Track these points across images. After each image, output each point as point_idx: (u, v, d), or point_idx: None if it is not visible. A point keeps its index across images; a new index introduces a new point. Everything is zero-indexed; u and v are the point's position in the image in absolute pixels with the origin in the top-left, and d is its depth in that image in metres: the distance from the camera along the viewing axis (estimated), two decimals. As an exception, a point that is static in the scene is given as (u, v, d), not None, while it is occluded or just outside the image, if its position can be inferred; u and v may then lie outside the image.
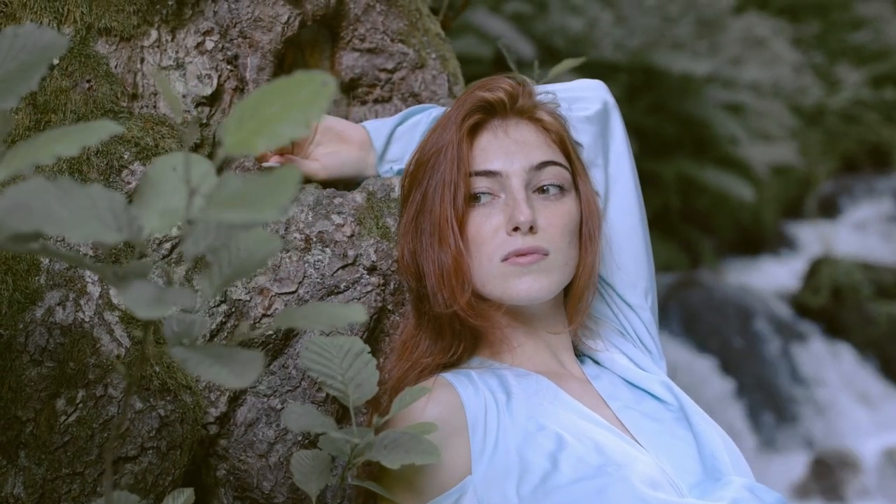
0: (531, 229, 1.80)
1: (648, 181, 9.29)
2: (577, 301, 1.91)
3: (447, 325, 1.87)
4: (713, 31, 10.16)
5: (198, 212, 1.09)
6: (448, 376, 1.84)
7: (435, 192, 1.83)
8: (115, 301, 1.74)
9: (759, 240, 10.87)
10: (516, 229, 1.80)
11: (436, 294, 1.84)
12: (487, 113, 1.89)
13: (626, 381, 1.91)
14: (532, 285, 1.81)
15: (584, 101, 2.02)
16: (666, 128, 9.48)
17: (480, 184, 1.84)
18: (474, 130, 1.88)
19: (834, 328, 8.09)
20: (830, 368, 7.63)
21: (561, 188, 1.87)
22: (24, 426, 1.64)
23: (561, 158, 1.90)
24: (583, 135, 1.99)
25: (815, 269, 8.73)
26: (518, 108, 1.91)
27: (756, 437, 7.05)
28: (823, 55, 12.88)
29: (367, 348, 1.66)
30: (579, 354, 1.99)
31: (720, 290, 8.33)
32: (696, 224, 10.09)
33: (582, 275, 1.90)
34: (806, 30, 12.46)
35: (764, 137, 10.79)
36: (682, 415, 1.83)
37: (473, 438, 1.73)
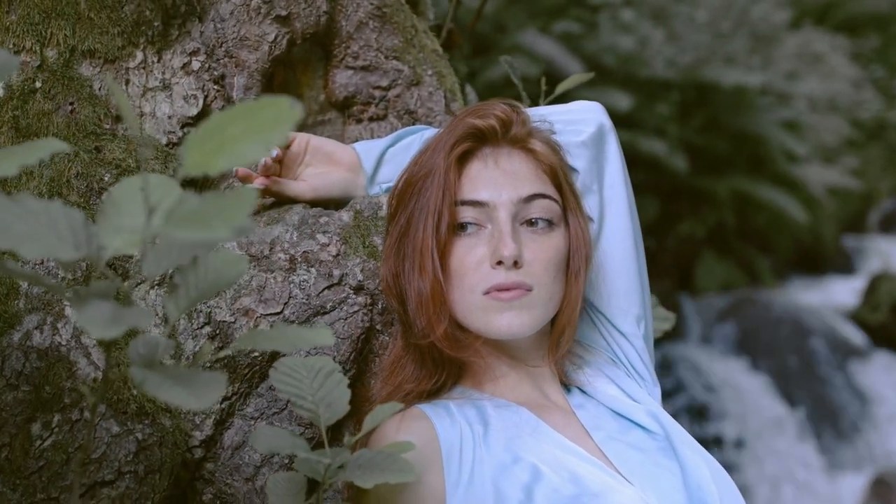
0: (515, 264, 1.76)
1: (702, 199, 9.23)
2: (558, 335, 1.87)
3: (427, 353, 1.84)
4: (767, 46, 10.05)
5: (154, 228, 1.08)
6: (424, 407, 1.81)
7: (419, 218, 1.80)
8: (72, 320, 1.73)
9: (818, 257, 10.73)
10: (500, 263, 1.76)
11: (415, 320, 1.81)
12: (478, 140, 1.84)
13: (612, 410, 1.87)
14: (513, 321, 1.77)
15: (579, 123, 1.97)
16: (719, 144, 9.39)
17: (466, 213, 1.80)
18: (464, 158, 1.83)
19: (893, 344, 7.94)
20: (889, 385, 7.49)
21: (549, 222, 1.83)
22: (-1, 451, 1.63)
23: (551, 191, 1.85)
24: (577, 160, 1.95)
25: (874, 285, 8.59)
26: (511, 137, 1.86)
27: (814, 456, 6.93)
28: (884, 69, 12.70)
29: (338, 368, 1.63)
30: (566, 384, 1.94)
31: (776, 309, 8.22)
32: (754, 242, 9.98)
33: (566, 309, 1.86)
34: (865, 44, 12.28)
35: (822, 153, 10.65)
36: (668, 444, 1.78)
37: (448, 470, 1.70)
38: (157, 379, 1.13)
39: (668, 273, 8.88)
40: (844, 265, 10.75)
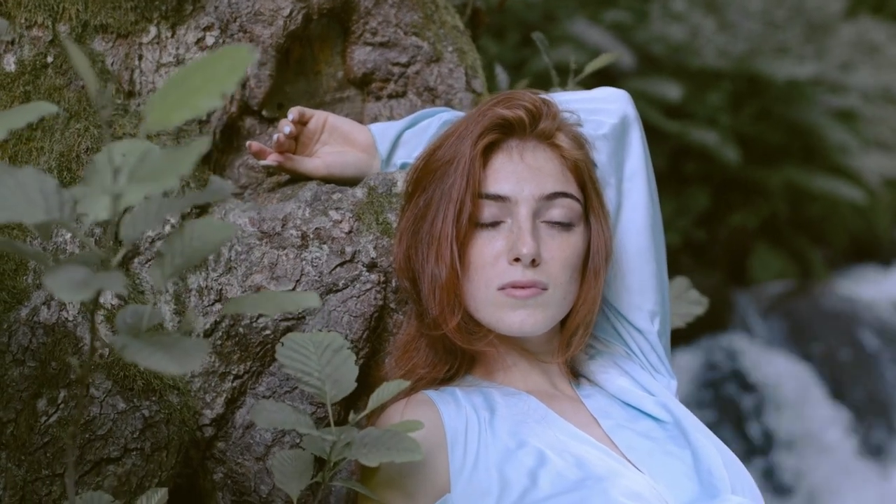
0: (533, 262, 1.74)
1: (754, 190, 9.13)
2: (570, 335, 1.84)
3: (440, 342, 1.82)
4: (822, 36, 9.91)
5: (118, 188, 1.07)
6: (430, 393, 1.80)
7: (440, 205, 1.77)
8: (100, 300, 1.72)
9: (872, 249, 10.57)
10: (517, 260, 1.74)
11: (427, 305, 1.78)
12: (505, 132, 1.81)
13: (620, 401, 1.84)
14: (526, 319, 1.76)
15: (602, 113, 1.93)
16: (772, 135, 9.27)
17: (487, 206, 1.77)
18: (489, 148, 1.80)
19: (947, 337, 7.82)
20: (943, 379, 7.37)
21: (570, 220, 1.80)
22: (4, 427, 1.62)
23: (574, 190, 1.82)
24: (598, 153, 1.91)
25: (929, 278, 8.46)
26: (538, 132, 1.82)
27: (864, 450, 6.83)
28: (943, 59, 12.49)
29: (347, 344, 1.61)
30: (576, 374, 1.92)
31: (829, 301, 8.11)
32: (807, 234, 9.85)
33: (581, 309, 1.83)
34: (924, 33, 12.08)
35: (877, 145, 10.49)
36: (677, 433, 1.76)
37: (452, 456, 1.69)
38: (137, 345, 1.12)
39: (720, 265, 8.78)
40: (899, 257, 10.60)
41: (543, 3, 8.30)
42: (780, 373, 7.14)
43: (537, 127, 1.82)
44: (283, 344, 1.59)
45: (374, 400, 1.57)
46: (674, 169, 8.15)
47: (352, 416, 1.58)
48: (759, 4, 9.45)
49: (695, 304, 2.73)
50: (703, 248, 8.45)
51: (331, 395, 1.58)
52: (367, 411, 1.59)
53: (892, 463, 6.94)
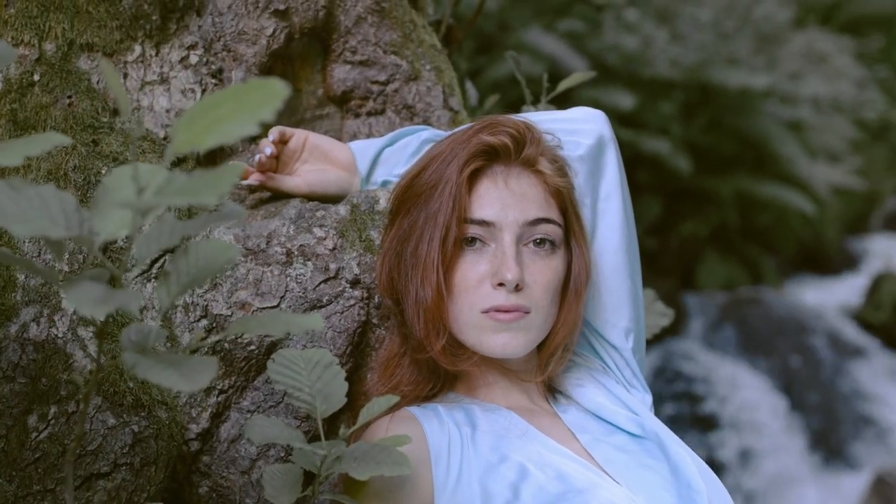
0: (517, 287, 1.77)
1: (705, 199, 9.23)
2: (549, 356, 1.89)
3: (424, 363, 1.87)
4: (771, 46, 10.03)
5: (146, 202, 1.10)
6: (413, 409, 1.84)
7: (424, 228, 1.80)
8: (64, 305, 1.74)
9: (822, 257, 10.73)
10: (501, 284, 1.77)
11: (412, 325, 1.82)
12: (490, 158, 1.84)
13: (596, 416, 1.88)
14: (509, 342, 1.80)
15: (578, 134, 1.97)
16: (723, 145, 9.39)
17: (472, 230, 1.81)
18: (474, 174, 1.83)
19: (895, 344, 7.94)
20: (891, 385, 7.48)
21: (552, 244, 1.84)
22: (-5, 442, 1.64)
23: (556, 215, 1.86)
24: (574, 174, 1.95)
25: (877, 285, 8.59)
26: (523, 159, 1.86)
27: (814, 456, 6.93)
28: (888, 69, 12.67)
29: (336, 360, 1.64)
30: (552, 390, 1.96)
31: (778, 308, 8.22)
32: (758, 242, 9.98)
33: (560, 331, 1.88)
34: (870, 44, 12.25)
35: (826, 153, 10.64)
36: (653, 447, 1.80)
37: (436, 471, 1.72)
38: (148, 362, 1.14)
39: (671, 272, 8.88)
40: (848, 265, 10.74)
41: (499, 12, 8.36)
42: (730, 378, 7.22)
43: (522, 154, 1.85)
44: (274, 360, 1.62)
45: (365, 415, 1.60)
46: (626, 178, 8.26)
47: (342, 430, 1.60)
48: (710, 15, 9.55)
49: (661, 316, 2.78)
50: (655, 256, 8.54)
51: (321, 410, 1.60)
52: (357, 426, 1.61)
53: (841, 466, 7.04)
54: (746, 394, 7.02)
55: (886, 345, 7.94)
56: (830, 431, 7.15)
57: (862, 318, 8.31)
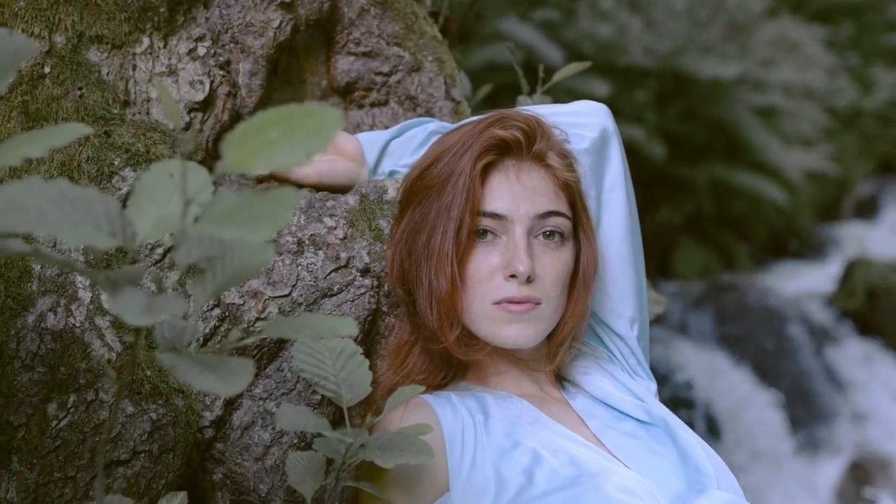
0: (528, 279, 1.81)
1: (679, 186, 9.27)
2: (558, 345, 1.93)
3: (437, 353, 1.91)
4: (744, 34, 10.08)
5: (193, 225, 1.09)
6: (427, 397, 1.87)
7: (438, 221, 1.83)
8: (105, 306, 1.75)
9: (794, 244, 10.79)
10: (513, 276, 1.81)
11: (424, 316, 1.86)
12: (502, 152, 1.88)
13: (604, 403, 1.92)
14: (520, 333, 1.84)
15: (582, 128, 2.01)
16: (697, 133, 9.42)
17: (485, 223, 1.85)
18: (486, 167, 1.87)
19: (869, 330, 8.00)
20: (865, 371, 7.54)
21: (562, 236, 1.88)
22: (16, 431, 1.65)
23: (565, 208, 1.90)
24: (580, 167, 1.98)
25: (850, 271, 8.63)
26: (533, 153, 1.89)
27: (791, 441, 6.98)
28: (858, 57, 12.76)
29: (360, 350, 1.67)
30: (561, 378, 2.00)
31: (753, 295, 8.26)
32: (731, 229, 10.03)
33: (569, 321, 1.92)
34: (840, 32, 12.34)
35: (798, 141, 10.70)
36: (661, 432, 1.84)
37: (451, 457, 1.76)
38: (187, 365, 1.15)
39: (646, 259, 8.90)
40: (821, 251, 10.81)
41: (474, 2, 8.34)
42: (706, 364, 7.25)
43: (532, 148, 1.88)
44: (298, 349, 1.65)
45: (391, 403, 1.63)
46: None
47: (369, 418, 1.63)
48: (684, 4, 9.58)
49: (654, 304, 2.82)
50: (630, 244, 8.55)
51: (346, 398, 1.63)
52: (384, 414, 1.64)
53: (817, 451, 7.09)
54: (722, 380, 7.06)
55: (860, 330, 8.00)
56: (806, 417, 7.21)
57: (835, 304, 8.37)
